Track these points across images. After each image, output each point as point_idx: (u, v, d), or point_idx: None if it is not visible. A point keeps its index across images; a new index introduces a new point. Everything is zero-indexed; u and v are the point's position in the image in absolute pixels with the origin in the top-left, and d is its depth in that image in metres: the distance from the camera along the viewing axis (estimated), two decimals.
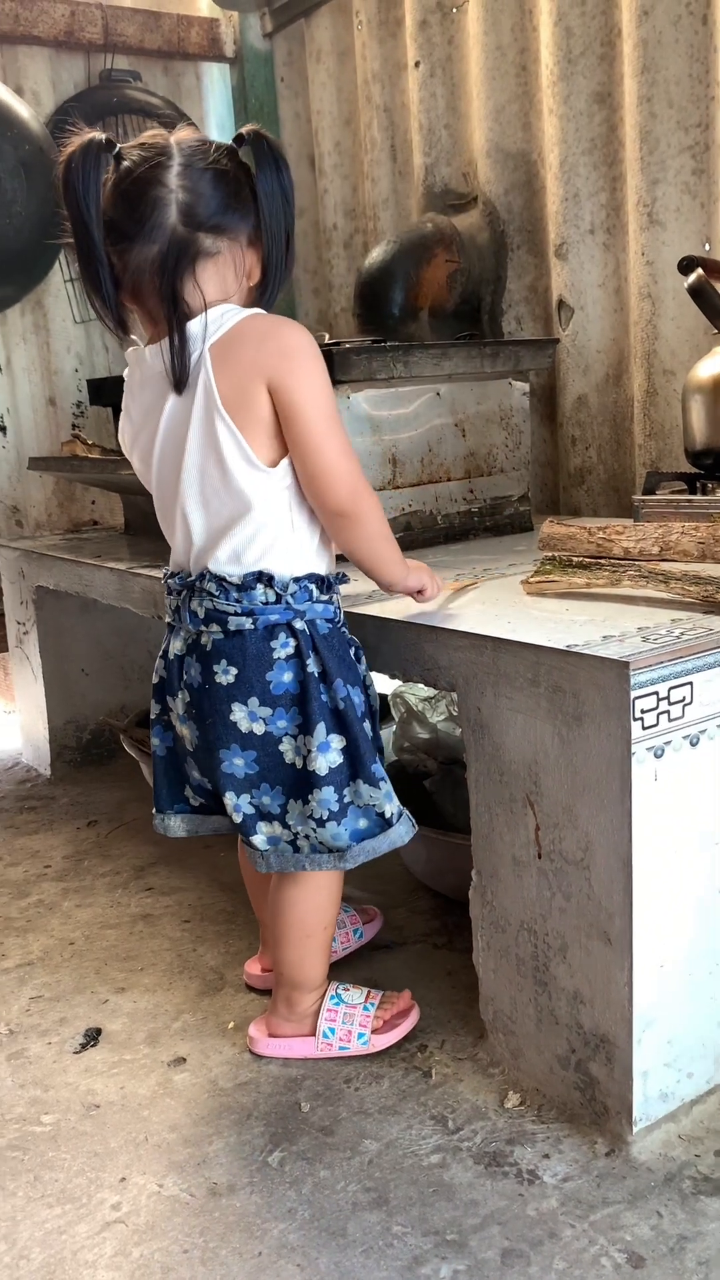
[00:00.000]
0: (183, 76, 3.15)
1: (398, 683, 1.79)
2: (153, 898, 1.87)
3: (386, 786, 1.29)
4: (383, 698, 2.13)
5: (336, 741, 1.25)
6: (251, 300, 1.28)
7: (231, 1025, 1.47)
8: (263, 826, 1.29)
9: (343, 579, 1.33)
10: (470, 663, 1.26)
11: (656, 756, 1.11)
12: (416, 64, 2.57)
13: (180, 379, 1.21)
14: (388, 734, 2.07)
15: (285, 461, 1.22)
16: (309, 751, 1.25)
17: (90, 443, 2.48)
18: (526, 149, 2.38)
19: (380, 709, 2.17)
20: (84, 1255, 1.09)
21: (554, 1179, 1.15)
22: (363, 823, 1.28)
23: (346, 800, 1.27)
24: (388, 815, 1.28)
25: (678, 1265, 1.03)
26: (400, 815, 1.30)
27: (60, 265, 2.96)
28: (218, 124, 3.24)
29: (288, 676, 1.25)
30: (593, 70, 2.18)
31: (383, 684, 1.72)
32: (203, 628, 1.26)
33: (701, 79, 1.99)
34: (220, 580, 1.25)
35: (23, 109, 2.67)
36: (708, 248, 2.04)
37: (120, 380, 2.53)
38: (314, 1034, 1.38)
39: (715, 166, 1.99)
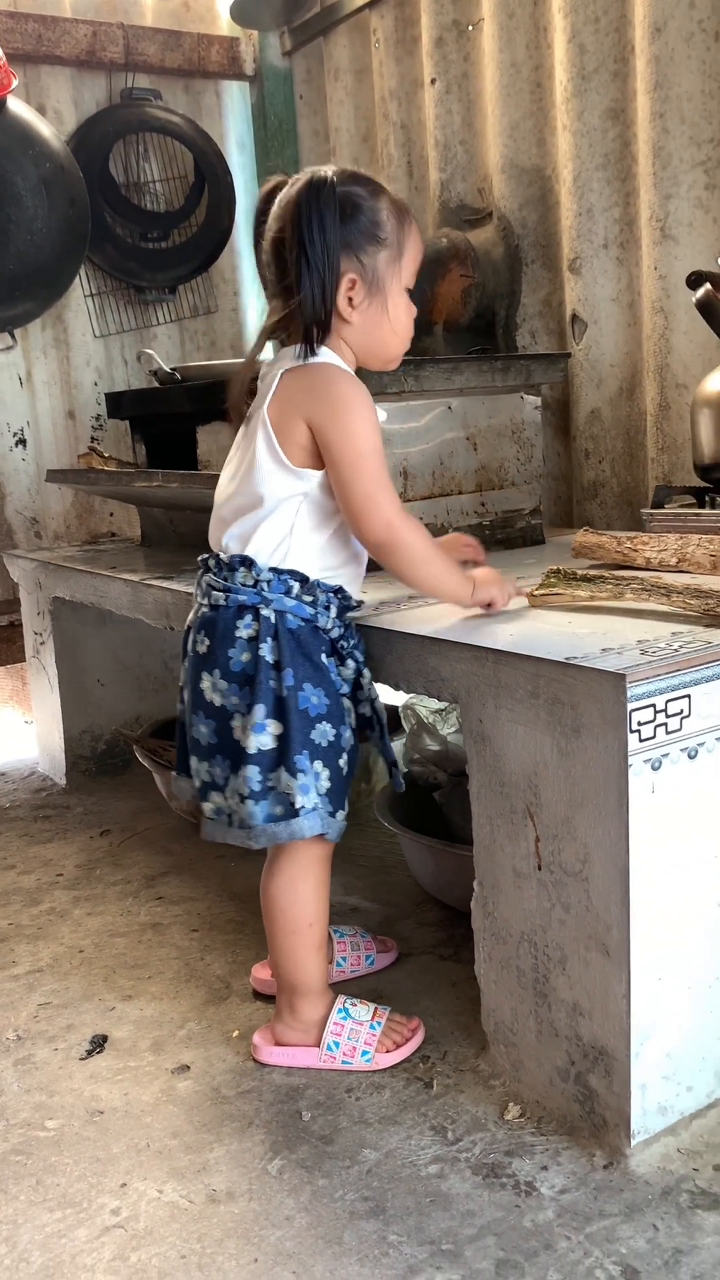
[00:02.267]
0: (203, 95, 3.19)
1: (411, 695, 1.80)
2: (162, 906, 1.88)
3: (307, 780, 1.31)
4: (394, 710, 2.14)
5: (273, 727, 1.31)
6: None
7: (236, 1034, 1.48)
8: (214, 796, 1.37)
9: (345, 599, 1.38)
10: (471, 674, 1.27)
11: (654, 769, 1.11)
12: (433, 81, 2.60)
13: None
14: (398, 745, 2.08)
15: (312, 474, 1.32)
16: (247, 729, 1.31)
17: (107, 455, 2.51)
18: (541, 164, 2.39)
19: (391, 721, 2.19)
20: (82, 1259, 1.10)
21: (551, 1191, 1.15)
22: (278, 809, 1.32)
23: (269, 784, 1.31)
24: (298, 806, 1.31)
25: (672, 1279, 1.02)
26: (312, 811, 1.31)
27: (81, 280, 3.00)
28: (237, 141, 3.27)
29: (245, 656, 1.33)
30: (606, 87, 2.19)
31: (394, 697, 1.73)
32: (202, 601, 1.38)
33: (714, 95, 2.00)
34: (218, 559, 1.37)
35: (45, 128, 2.71)
36: None
37: (137, 393, 2.56)
38: (319, 1045, 1.38)
39: None
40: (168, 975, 1.65)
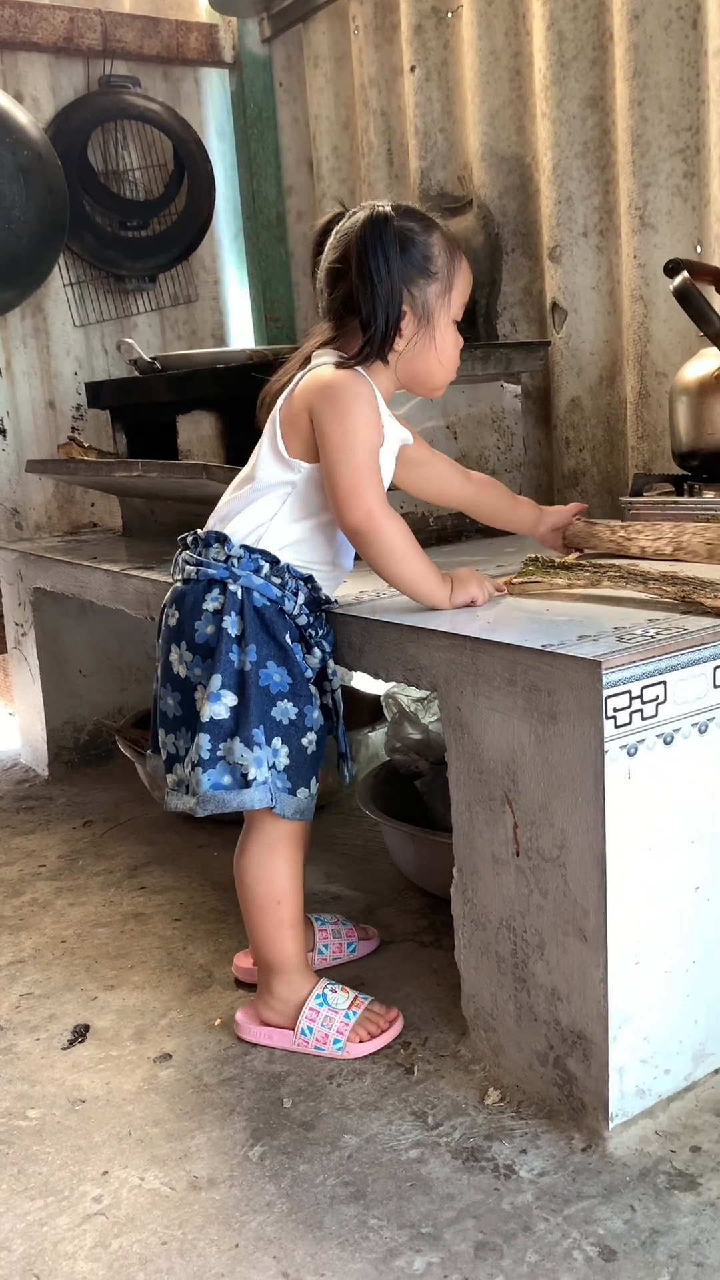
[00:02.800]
0: (182, 82, 3.17)
1: (393, 684, 1.81)
2: (145, 896, 1.89)
3: (262, 754, 1.32)
4: (376, 698, 2.14)
5: (228, 698, 1.33)
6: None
7: (218, 1022, 1.48)
8: (177, 767, 1.39)
9: (314, 589, 1.40)
10: (450, 662, 1.28)
11: (630, 755, 1.12)
12: (412, 68, 2.59)
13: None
14: (380, 735, 2.08)
15: (303, 465, 1.36)
16: (203, 699, 1.33)
17: (87, 445, 2.50)
18: (520, 153, 2.39)
19: (373, 710, 2.19)
20: (64, 1247, 1.11)
21: (530, 1174, 1.16)
22: (226, 778, 1.33)
23: (219, 754, 1.33)
24: (250, 777, 1.32)
25: (649, 1259, 1.04)
26: (263, 784, 1.32)
27: (60, 269, 2.99)
28: (217, 129, 3.26)
29: (210, 629, 1.36)
30: (585, 74, 2.19)
31: (375, 686, 1.74)
32: (176, 577, 1.42)
33: (692, 83, 2.01)
34: (195, 535, 1.41)
35: (22, 115, 2.69)
36: (699, 250, 2.05)
37: (117, 383, 2.55)
38: (294, 1028, 1.39)
39: (706, 169, 2.00)
40: (150, 965, 1.66)
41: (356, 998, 1.42)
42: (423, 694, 1.93)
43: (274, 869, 1.40)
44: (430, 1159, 1.19)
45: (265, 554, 1.37)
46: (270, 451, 1.38)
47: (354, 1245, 1.08)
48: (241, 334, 3.38)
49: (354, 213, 1.36)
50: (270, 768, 1.34)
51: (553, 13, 2.19)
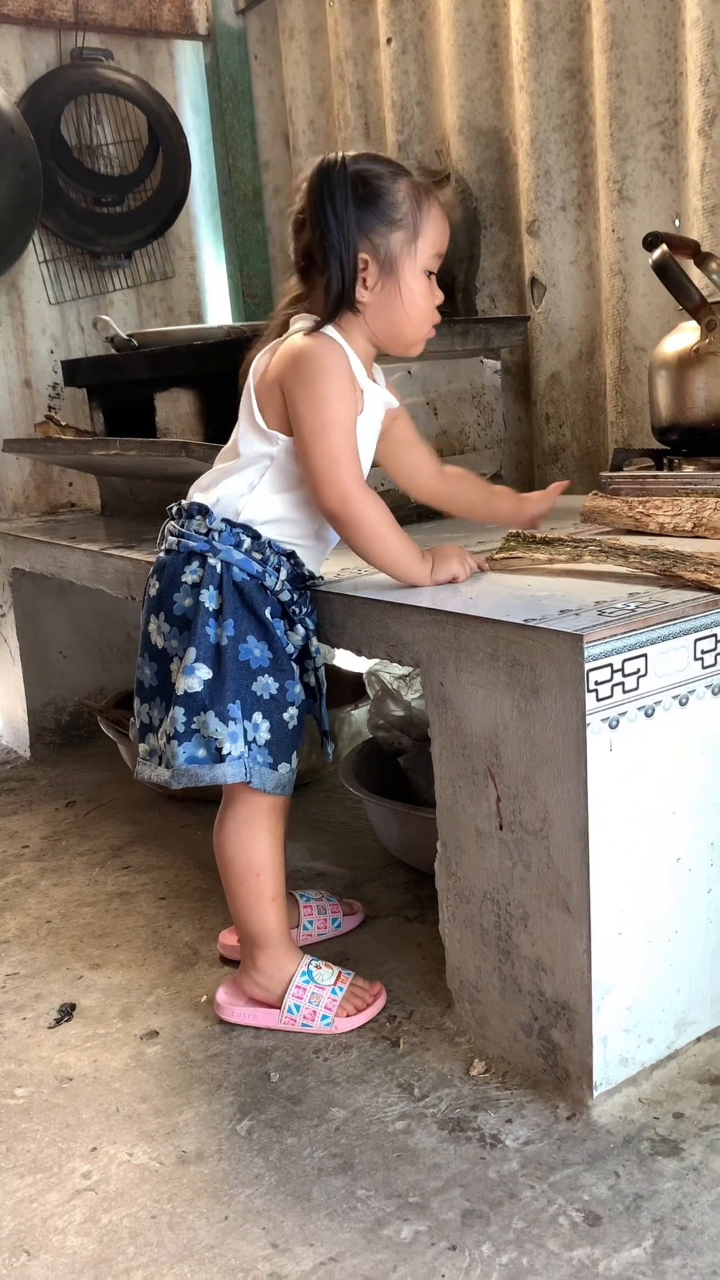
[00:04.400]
0: (155, 55, 3.13)
1: (374, 661, 1.81)
2: (129, 876, 1.89)
3: (236, 729, 1.32)
4: (358, 676, 2.15)
5: (203, 671, 1.32)
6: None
7: (204, 999, 1.49)
8: (149, 737, 1.40)
9: (297, 565, 1.40)
10: (432, 638, 1.28)
11: (611, 728, 1.12)
12: (389, 40, 2.56)
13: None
14: (362, 712, 2.09)
15: (280, 437, 1.35)
16: (178, 672, 1.33)
17: (64, 424, 2.48)
18: (498, 126, 2.38)
19: (355, 687, 2.19)
20: (54, 1222, 1.11)
21: (515, 1143, 1.17)
22: (201, 752, 1.33)
23: (193, 727, 1.33)
24: (224, 752, 1.32)
25: (633, 1223, 1.05)
26: (238, 759, 1.33)
27: (34, 246, 2.95)
28: (192, 102, 3.22)
29: (188, 601, 1.35)
30: (563, 46, 2.18)
31: (357, 663, 1.74)
32: (160, 548, 1.42)
33: (670, 54, 2.00)
34: (180, 506, 1.41)
35: None
36: (677, 224, 2.04)
37: (94, 361, 2.53)
38: (280, 1004, 1.40)
39: (684, 142, 2.00)
40: (135, 943, 1.66)
41: (341, 973, 1.43)
42: (405, 671, 1.93)
43: (253, 841, 1.40)
44: (417, 1130, 1.20)
45: (246, 528, 1.36)
46: (249, 423, 1.37)
47: (342, 1215, 1.09)
48: (219, 310, 3.36)
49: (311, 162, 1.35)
50: (250, 742, 1.34)
51: None
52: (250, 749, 1.34)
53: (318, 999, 1.39)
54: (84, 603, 2.51)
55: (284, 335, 1.37)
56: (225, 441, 1.45)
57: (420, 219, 1.35)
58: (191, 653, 1.33)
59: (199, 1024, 1.44)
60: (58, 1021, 1.47)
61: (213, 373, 1.94)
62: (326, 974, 1.42)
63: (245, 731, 1.34)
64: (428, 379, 1.97)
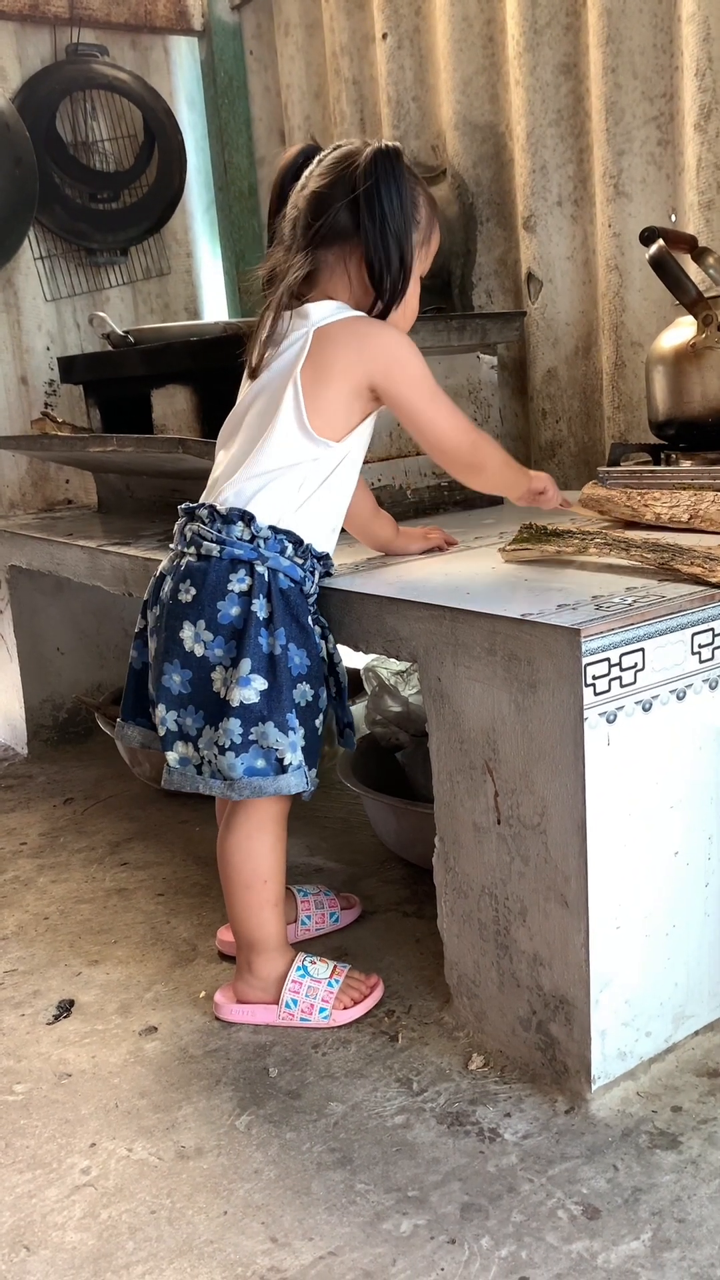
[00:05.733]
0: (151, 50, 3.13)
1: (371, 657, 1.81)
2: (127, 872, 1.89)
3: (295, 738, 1.32)
4: (355, 672, 2.15)
5: (258, 682, 1.31)
6: (368, 305, 1.38)
7: (203, 994, 1.49)
8: (179, 745, 1.36)
9: (327, 565, 1.41)
10: (429, 633, 1.28)
11: (609, 722, 1.13)
12: (384, 36, 2.56)
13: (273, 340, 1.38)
14: (360, 708, 2.09)
15: (334, 446, 1.34)
16: (231, 683, 1.31)
17: (61, 421, 2.48)
18: (494, 121, 2.38)
19: (352, 683, 2.19)
20: (53, 1218, 1.12)
21: (514, 1136, 1.17)
22: (260, 762, 1.32)
23: (251, 738, 1.31)
24: (285, 762, 1.32)
25: (631, 1216, 1.05)
26: (298, 768, 1.32)
27: (30, 242, 2.95)
28: (187, 98, 3.22)
29: (235, 610, 1.32)
30: (558, 41, 2.17)
31: (354, 658, 1.74)
32: (185, 549, 1.37)
33: (665, 49, 1.99)
34: (213, 509, 1.36)
35: None
36: (673, 219, 2.04)
37: (90, 357, 2.52)
38: (277, 1002, 1.40)
39: (680, 137, 2.00)
40: (134, 939, 1.66)
41: (336, 966, 1.43)
42: (402, 667, 1.93)
43: (263, 848, 1.39)
44: (415, 1124, 1.21)
45: (290, 534, 1.34)
46: (296, 428, 1.33)
47: (341, 1209, 1.09)
48: (215, 307, 3.35)
49: (340, 146, 1.35)
50: (300, 751, 1.33)
51: None
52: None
53: (314, 992, 1.40)
54: (81, 600, 2.51)
55: (296, 322, 1.35)
56: (237, 429, 1.42)
57: (431, 226, 1.39)
58: (246, 664, 1.30)
59: (198, 1020, 1.44)
60: (56, 1018, 1.47)
61: (209, 369, 1.94)
62: (322, 968, 1.42)
63: (300, 740, 1.33)
64: None
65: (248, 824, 1.39)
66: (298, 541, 1.35)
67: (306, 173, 1.37)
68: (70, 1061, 1.37)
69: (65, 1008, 1.49)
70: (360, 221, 1.32)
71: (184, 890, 1.80)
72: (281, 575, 1.33)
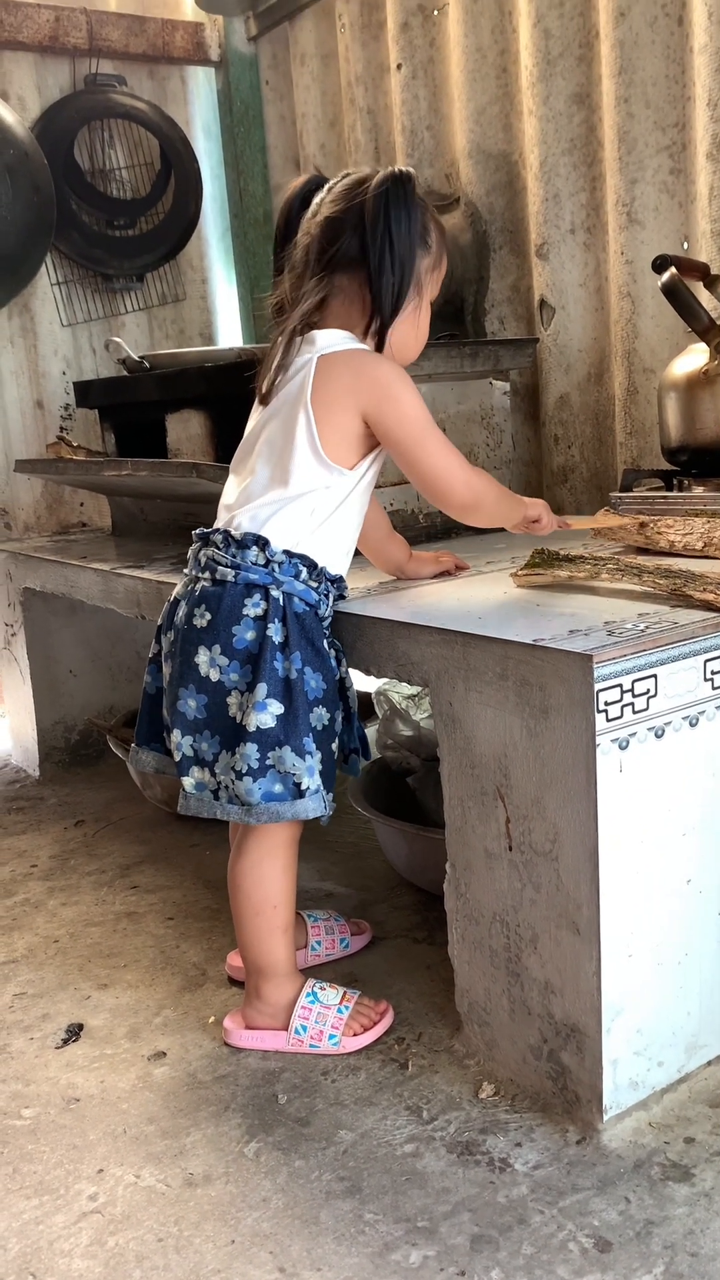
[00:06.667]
0: (168, 80, 3.17)
1: (383, 681, 1.81)
2: (137, 895, 1.88)
3: (313, 762, 1.32)
4: (366, 695, 2.15)
5: (275, 706, 1.30)
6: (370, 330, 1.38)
7: (212, 1020, 1.48)
8: (195, 770, 1.36)
9: (341, 589, 1.42)
10: (441, 657, 1.28)
11: (621, 748, 1.12)
12: (399, 66, 2.59)
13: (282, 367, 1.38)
14: (371, 732, 2.09)
15: (347, 473, 1.35)
16: (248, 707, 1.30)
17: (76, 445, 2.49)
18: (508, 150, 2.40)
19: (363, 707, 2.19)
20: (60, 1245, 1.11)
21: (525, 1167, 1.16)
22: (277, 787, 1.31)
23: (268, 762, 1.31)
24: (303, 787, 1.31)
25: (643, 1249, 1.04)
26: (315, 792, 1.32)
27: (47, 269, 2.98)
28: (203, 127, 3.26)
29: (250, 635, 1.32)
30: (571, 71, 2.19)
31: (366, 682, 1.74)
32: (200, 574, 1.37)
33: (678, 79, 2.01)
34: (228, 534, 1.36)
35: (8, 114, 2.69)
36: (686, 246, 2.05)
37: (106, 382, 2.54)
38: (287, 1028, 1.39)
39: (692, 166, 2.01)
40: (143, 963, 1.65)
41: (346, 993, 1.42)
42: (414, 691, 1.93)
43: (274, 874, 1.39)
44: (425, 1153, 1.20)
45: (304, 558, 1.35)
46: (310, 454, 1.33)
47: (350, 1240, 1.08)
48: (230, 333, 3.38)
49: (350, 173, 1.37)
50: (318, 775, 1.33)
51: (539, 10, 2.19)
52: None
53: (324, 1018, 1.39)
54: (94, 622, 2.52)
55: (308, 344, 1.36)
56: (251, 454, 1.42)
57: (441, 251, 1.40)
58: (262, 688, 1.30)
59: (207, 1045, 1.43)
60: (65, 1042, 1.46)
61: (223, 394, 1.95)
62: (331, 994, 1.41)
63: (317, 764, 1.33)
64: (437, 400, 1.97)
65: (259, 849, 1.39)
66: (312, 565, 1.35)
67: (318, 200, 1.37)
68: (79, 1086, 1.37)
69: (74, 1031, 1.49)
70: (366, 242, 1.32)
71: (194, 914, 1.80)
72: (296, 599, 1.34)
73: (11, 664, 2.57)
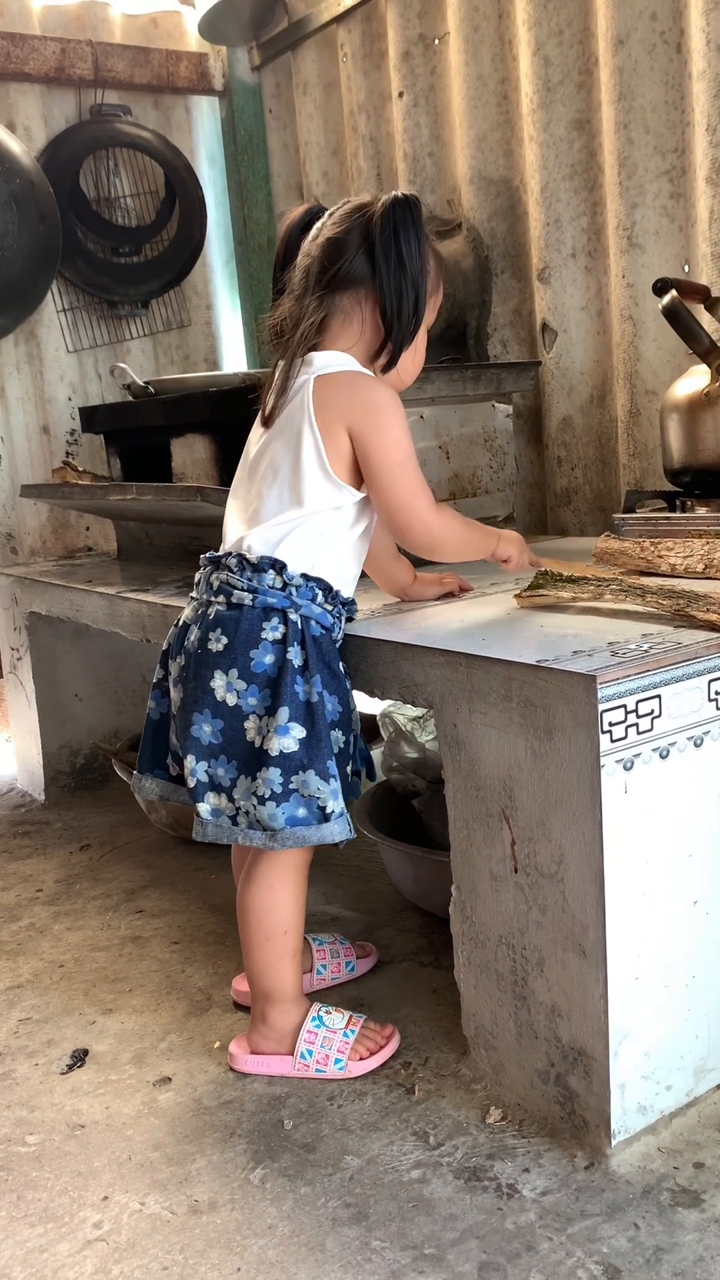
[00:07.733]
0: (173, 110, 3.21)
1: (388, 703, 1.81)
2: (143, 920, 1.88)
3: (336, 785, 1.31)
4: (371, 717, 2.15)
5: (297, 730, 1.30)
6: (378, 349, 1.39)
7: (217, 1045, 1.48)
8: (210, 796, 1.34)
9: (352, 611, 1.42)
10: (445, 679, 1.28)
11: (626, 769, 1.12)
12: (400, 94, 2.62)
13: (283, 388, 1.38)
14: (376, 754, 2.08)
15: (353, 492, 1.35)
16: (269, 732, 1.29)
17: (81, 470, 2.51)
18: (509, 175, 2.42)
19: (369, 729, 2.19)
20: (65, 1273, 1.10)
21: (533, 1193, 1.15)
22: (301, 811, 1.30)
23: (292, 786, 1.30)
24: (328, 811, 1.31)
25: (653, 1276, 1.03)
26: (340, 815, 1.32)
27: (53, 295, 3.01)
28: (208, 155, 3.29)
29: (269, 659, 1.31)
30: (571, 98, 2.22)
31: (371, 704, 1.74)
32: (212, 598, 1.36)
33: (677, 105, 2.03)
34: (242, 558, 1.35)
35: (14, 144, 2.72)
36: (686, 270, 2.07)
37: (111, 407, 2.56)
38: (293, 1053, 1.38)
39: (692, 190, 2.03)
40: (149, 988, 1.65)
41: (352, 1017, 1.41)
42: (419, 713, 1.93)
43: (284, 899, 1.38)
44: (432, 1179, 1.19)
45: (320, 581, 1.35)
46: (319, 473, 1.34)
47: (357, 1267, 1.07)
48: (234, 358, 3.40)
49: (349, 201, 1.38)
50: (340, 798, 1.33)
51: (538, 38, 2.22)
52: None
53: (330, 1043, 1.38)
54: (100, 646, 2.53)
55: (307, 364, 1.36)
56: (265, 475, 1.41)
57: (439, 277, 1.41)
58: (284, 712, 1.29)
59: (212, 1070, 1.42)
60: (70, 1067, 1.46)
61: (228, 419, 1.96)
62: (337, 1018, 1.40)
63: (340, 788, 1.32)
64: (440, 423, 1.99)
65: (270, 875, 1.38)
66: (327, 588, 1.36)
67: (319, 224, 1.39)
68: (83, 1112, 1.36)
69: (79, 1057, 1.48)
70: (377, 266, 1.33)
71: (199, 938, 1.79)
72: (314, 622, 1.34)
73: (17, 688, 2.57)
